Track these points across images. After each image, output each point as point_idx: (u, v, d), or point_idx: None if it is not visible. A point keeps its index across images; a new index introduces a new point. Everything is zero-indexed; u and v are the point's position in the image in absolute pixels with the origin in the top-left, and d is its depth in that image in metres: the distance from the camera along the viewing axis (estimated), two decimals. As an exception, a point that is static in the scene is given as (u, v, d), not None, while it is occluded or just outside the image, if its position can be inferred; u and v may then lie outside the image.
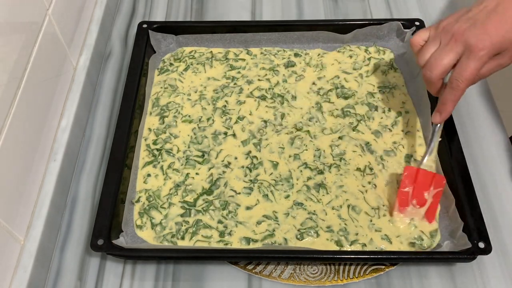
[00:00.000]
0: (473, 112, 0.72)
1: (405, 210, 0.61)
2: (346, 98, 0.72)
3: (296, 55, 0.77)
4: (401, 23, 0.77)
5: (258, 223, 0.61)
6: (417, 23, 0.76)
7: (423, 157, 0.62)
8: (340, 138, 0.68)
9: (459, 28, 0.57)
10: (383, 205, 0.62)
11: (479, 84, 0.75)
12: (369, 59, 0.76)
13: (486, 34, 0.55)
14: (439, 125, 0.62)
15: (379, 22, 0.77)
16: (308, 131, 0.69)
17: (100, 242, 0.56)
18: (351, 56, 0.77)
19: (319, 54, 0.77)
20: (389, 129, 0.69)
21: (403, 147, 0.67)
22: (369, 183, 0.64)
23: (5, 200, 0.52)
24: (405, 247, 0.59)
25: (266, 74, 0.75)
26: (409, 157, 0.66)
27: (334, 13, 0.85)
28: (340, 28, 0.77)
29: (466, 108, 0.72)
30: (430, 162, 0.61)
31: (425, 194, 0.60)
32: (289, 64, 0.76)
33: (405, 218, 0.61)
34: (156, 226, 0.61)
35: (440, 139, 0.62)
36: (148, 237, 0.60)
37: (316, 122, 0.69)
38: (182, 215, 0.62)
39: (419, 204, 0.60)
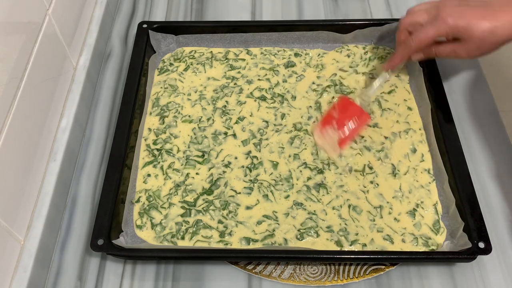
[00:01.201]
0: (473, 112, 0.72)
1: (325, 131, 0.66)
2: (345, 95, 0.72)
3: (296, 55, 0.77)
4: (401, 23, 0.76)
5: (258, 223, 0.61)
6: (417, 23, 0.76)
7: (359, 96, 0.68)
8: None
9: (448, 1, 0.62)
10: (387, 202, 0.62)
11: (479, 84, 0.75)
12: (365, 53, 0.77)
13: (458, 15, 0.59)
14: (385, 73, 0.69)
15: (379, 22, 0.77)
16: (306, 130, 0.69)
17: (100, 242, 0.56)
18: (348, 56, 0.77)
19: (319, 54, 0.77)
20: (391, 127, 0.69)
21: (403, 146, 0.67)
22: (371, 182, 0.64)
23: (5, 200, 0.52)
24: (407, 247, 0.59)
25: (266, 74, 0.75)
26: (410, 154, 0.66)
27: (334, 13, 0.85)
28: (340, 28, 0.77)
29: (466, 108, 0.72)
30: (365, 98, 0.68)
31: (348, 122, 0.66)
32: (289, 64, 0.76)
33: (320, 141, 0.66)
34: (156, 226, 0.61)
35: (382, 88, 0.69)
36: (148, 237, 0.60)
37: (314, 122, 0.69)
38: (182, 215, 0.62)
39: (339, 128, 0.66)
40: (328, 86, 0.73)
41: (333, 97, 0.72)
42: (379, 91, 0.71)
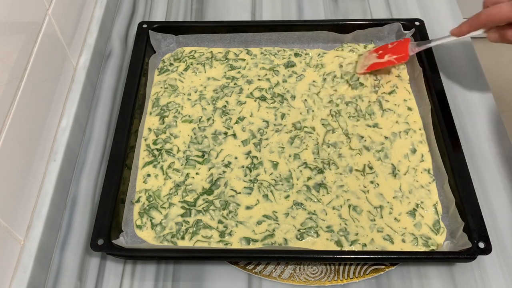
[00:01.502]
0: (473, 112, 0.72)
1: (372, 53, 0.72)
2: (354, 87, 0.73)
3: (296, 55, 0.77)
4: (401, 23, 0.77)
5: (258, 223, 0.61)
6: (417, 23, 0.76)
7: (420, 43, 0.70)
8: (333, 131, 0.69)
9: None
10: (388, 202, 0.62)
11: (479, 85, 0.75)
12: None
13: None
14: (448, 36, 0.66)
15: (379, 22, 0.77)
16: (306, 130, 0.69)
17: (100, 242, 0.56)
18: (352, 51, 0.77)
19: (319, 54, 0.77)
20: (391, 126, 0.69)
21: (403, 146, 0.67)
22: (372, 182, 0.64)
23: (5, 200, 0.52)
24: (407, 247, 0.59)
25: (266, 74, 0.75)
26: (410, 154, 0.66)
27: (334, 13, 0.85)
28: (340, 28, 0.77)
29: (466, 108, 0.72)
30: (416, 47, 0.70)
31: (387, 55, 0.71)
32: (289, 64, 0.76)
33: (363, 56, 0.73)
34: (156, 226, 0.61)
35: (442, 41, 0.68)
36: (148, 237, 0.60)
37: (315, 118, 0.70)
38: (182, 215, 0.62)
39: (379, 57, 0.71)
40: (336, 77, 0.74)
41: (335, 90, 0.72)
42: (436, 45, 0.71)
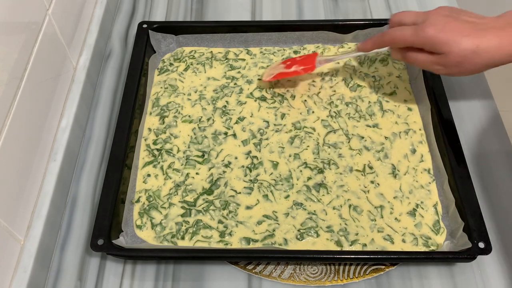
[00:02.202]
0: (473, 112, 0.72)
1: (279, 65, 0.72)
2: (353, 89, 0.73)
3: (295, 52, 0.77)
4: (401, 23, 0.77)
5: (258, 223, 0.61)
6: (417, 23, 0.76)
7: (327, 56, 0.71)
8: (335, 132, 0.69)
9: (440, 11, 0.59)
10: (388, 202, 0.62)
11: (479, 85, 0.75)
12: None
13: (442, 27, 0.56)
14: (354, 50, 0.69)
15: (379, 22, 0.77)
16: (306, 130, 0.69)
17: (100, 242, 0.56)
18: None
19: (318, 46, 0.78)
20: (391, 126, 0.69)
21: (403, 147, 0.67)
22: (372, 182, 0.64)
23: (5, 200, 0.52)
24: (408, 247, 0.59)
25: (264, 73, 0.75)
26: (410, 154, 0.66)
27: (334, 13, 0.85)
28: (340, 28, 0.77)
29: (466, 108, 0.72)
30: (326, 59, 0.71)
31: (294, 66, 0.71)
32: None
33: (269, 68, 0.74)
34: (156, 226, 0.61)
35: (348, 56, 0.70)
36: (148, 237, 0.60)
37: (315, 118, 0.70)
38: (182, 215, 0.62)
39: (286, 67, 0.71)
40: (334, 75, 0.75)
41: (334, 91, 0.72)
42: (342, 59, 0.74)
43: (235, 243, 0.59)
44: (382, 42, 0.63)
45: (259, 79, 0.74)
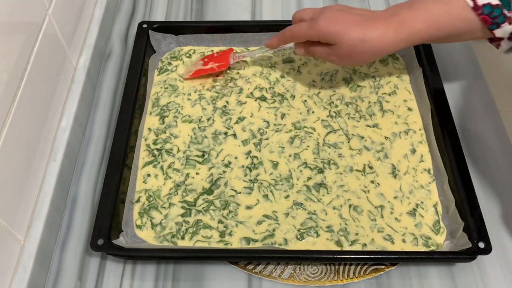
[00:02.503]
0: (473, 112, 0.72)
1: (199, 62, 0.75)
2: (353, 89, 0.73)
3: (295, 52, 0.77)
4: (401, 23, 0.76)
5: (258, 223, 0.61)
6: (417, 23, 0.76)
7: (242, 54, 0.74)
8: (335, 132, 0.68)
9: (335, 7, 0.63)
10: (389, 202, 0.62)
11: (479, 85, 0.75)
12: None
13: (333, 19, 0.60)
14: (262, 47, 0.71)
15: (379, 22, 0.77)
16: (306, 130, 0.69)
17: (100, 242, 0.56)
18: None
19: None
20: (391, 126, 0.69)
21: (403, 147, 0.67)
22: (372, 182, 0.64)
23: (5, 200, 0.52)
24: (408, 247, 0.59)
25: (263, 72, 0.75)
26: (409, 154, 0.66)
27: (334, 13, 0.85)
28: (340, 28, 0.77)
29: (466, 108, 0.72)
30: (239, 56, 0.74)
31: (211, 63, 0.74)
32: (287, 60, 0.76)
33: (189, 65, 0.76)
34: (156, 226, 0.61)
35: (259, 53, 0.73)
36: (148, 237, 0.60)
37: (315, 118, 0.70)
38: (182, 215, 0.62)
39: (204, 64, 0.74)
40: (334, 75, 0.74)
41: (334, 91, 0.72)
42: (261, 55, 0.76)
43: (235, 243, 0.59)
44: (284, 37, 0.66)
45: (180, 80, 0.75)
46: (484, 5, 0.55)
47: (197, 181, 0.64)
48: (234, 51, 0.76)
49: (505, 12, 0.54)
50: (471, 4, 0.55)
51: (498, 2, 0.54)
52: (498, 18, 0.55)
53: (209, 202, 0.63)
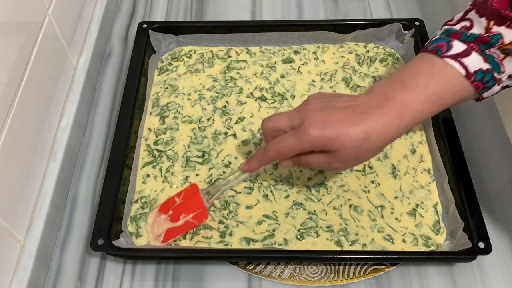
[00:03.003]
0: (473, 112, 0.72)
1: (159, 216, 0.60)
2: (353, 89, 0.73)
3: (295, 52, 0.77)
4: (401, 23, 0.77)
5: (259, 223, 0.61)
6: (417, 23, 0.76)
7: (213, 188, 0.61)
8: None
9: (311, 104, 0.53)
10: (389, 202, 0.62)
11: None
12: (367, 52, 0.77)
13: (323, 123, 0.51)
14: (239, 172, 0.60)
15: (379, 22, 0.77)
16: None
17: (100, 242, 0.56)
18: (351, 52, 0.77)
19: (318, 47, 0.77)
20: None
21: (403, 147, 0.67)
22: (372, 182, 0.64)
23: (5, 200, 0.52)
24: (408, 247, 0.59)
25: (263, 72, 0.75)
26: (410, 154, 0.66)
27: (334, 13, 0.85)
28: (340, 28, 0.77)
29: (466, 108, 0.72)
30: (213, 191, 0.61)
31: (182, 215, 0.59)
32: (287, 60, 0.76)
33: (149, 224, 0.60)
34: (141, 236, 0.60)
35: (234, 182, 0.61)
36: (137, 242, 0.60)
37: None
38: None
39: (172, 220, 0.59)
40: (334, 75, 0.74)
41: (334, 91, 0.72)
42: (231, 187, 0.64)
43: (235, 243, 0.59)
44: (267, 158, 0.56)
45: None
46: (476, 72, 0.51)
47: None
48: (200, 188, 0.62)
49: (495, 75, 0.51)
50: (463, 72, 0.51)
51: (489, 66, 0.51)
52: (489, 82, 0.52)
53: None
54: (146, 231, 0.60)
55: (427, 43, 0.55)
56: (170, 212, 0.59)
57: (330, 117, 0.51)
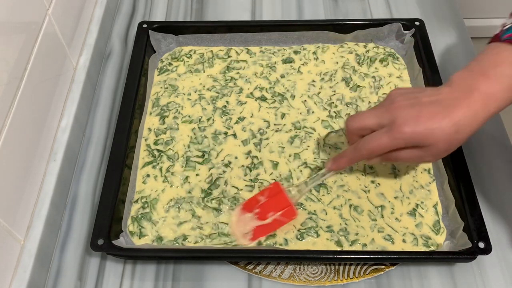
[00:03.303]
0: (473, 112, 0.72)
1: (244, 215, 0.60)
2: (353, 89, 0.73)
3: (295, 52, 0.77)
4: (401, 23, 0.77)
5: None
6: (417, 23, 0.76)
7: (297, 187, 0.61)
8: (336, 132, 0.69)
9: (398, 102, 0.54)
10: (389, 202, 0.62)
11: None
12: (367, 51, 0.77)
13: (416, 120, 0.52)
14: (326, 170, 0.60)
15: (379, 22, 0.77)
16: (305, 127, 0.69)
17: (100, 242, 0.56)
18: (350, 52, 0.77)
19: (318, 47, 0.77)
20: None
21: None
22: (372, 182, 0.64)
23: (5, 200, 0.52)
24: (408, 247, 0.59)
25: (263, 72, 0.75)
26: None
27: (334, 13, 0.85)
28: (340, 28, 0.77)
29: (466, 108, 0.72)
30: (297, 194, 0.61)
31: (270, 213, 0.59)
32: (287, 60, 0.76)
33: (234, 223, 0.60)
34: (145, 236, 0.60)
35: (322, 179, 0.61)
36: (140, 242, 0.60)
37: (315, 118, 0.69)
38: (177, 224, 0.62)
39: (260, 218, 0.59)
40: (333, 76, 0.74)
41: (334, 91, 0.72)
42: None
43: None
44: (359, 157, 0.57)
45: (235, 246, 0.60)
46: None
47: (197, 188, 0.64)
48: (283, 184, 0.62)
49: None
50: None
51: None
52: None
53: (212, 197, 0.62)
54: (230, 229, 0.60)
55: (498, 32, 0.55)
56: (257, 210, 0.59)
57: (421, 113, 0.52)
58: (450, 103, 0.52)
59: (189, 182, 0.64)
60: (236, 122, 0.70)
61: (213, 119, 0.70)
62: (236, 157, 0.66)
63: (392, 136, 0.53)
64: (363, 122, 0.56)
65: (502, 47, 0.53)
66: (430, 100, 0.53)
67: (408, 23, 0.76)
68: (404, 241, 0.59)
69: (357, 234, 0.60)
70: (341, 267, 0.58)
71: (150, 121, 0.70)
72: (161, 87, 0.74)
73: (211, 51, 0.78)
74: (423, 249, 0.59)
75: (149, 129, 0.70)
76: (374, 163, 0.58)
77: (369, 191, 0.63)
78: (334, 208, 0.62)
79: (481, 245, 0.56)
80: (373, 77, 0.74)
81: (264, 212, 0.59)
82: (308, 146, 0.67)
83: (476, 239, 0.56)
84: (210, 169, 0.65)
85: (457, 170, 0.62)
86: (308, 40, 0.78)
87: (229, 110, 0.71)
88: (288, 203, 0.60)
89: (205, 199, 0.63)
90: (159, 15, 0.86)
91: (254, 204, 0.60)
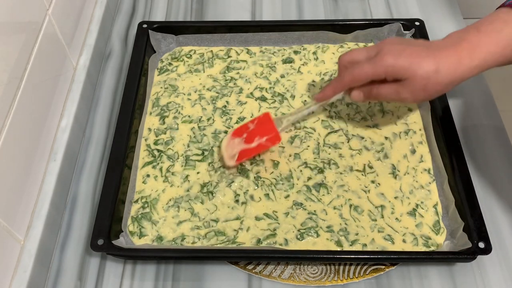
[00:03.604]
0: (473, 112, 0.72)
1: (233, 139, 0.64)
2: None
3: (295, 52, 0.77)
4: (401, 23, 0.77)
5: (257, 219, 0.61)
6: (417, 23, 0.76)
7: (286, 117, 0.66)
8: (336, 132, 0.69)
9: (389, 40, 0.59)
10: (389, 202, 0.62)
11: (479, 85, 0.75)
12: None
13: (399, 53, 0.55)
14: (313, 102, 0.65)
15: (379, 22, 0.77)
16: (305, 127, 0.69)
17: (100, 242, 0.56)
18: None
19: (318, 47, 0.77)
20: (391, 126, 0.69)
21: (403, 147, 0.67)
22: (372, 182, 0.64)
23: (5, 200, 0.52)
24: (408, 247, 0.59)
25: (263, 72, 0.75)
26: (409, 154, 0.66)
27: (334, 13, 0.85)
28: (340, 28, 0.77)
29: (466, 108, 0.72)
30: (286, 121, 0.66)
31: (256, 138, 0.63)
32: (287, 60, 0.76)
33: (224, 146, 0.64)
34: (145, 236, 0.60)
35: (308, 110, 0.65)
36: (141, 242, 0.60)
37: (318, 120, 0.70)
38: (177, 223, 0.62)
39: (246, 142, 0.63)
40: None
41: None
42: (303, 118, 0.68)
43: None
44: (342, 84, 0.60)
45: (223, 167, 0.65)
46: None
47: (196, 188, 0.64)
48: (271, 114, 0.66)
49: None
50: None
51: None
52: None
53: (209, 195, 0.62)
54: (220, 153, 0.65)
55: (504, 1, 0.56)
56: (245, 135, 0.64)
57: (407, 50, 0.55)
58: (436, 48, 0.55)
59: (189, 180, 0.64)
60: (236, 122, 0.70)
61: (213, 119, 0.70)
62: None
63: (373, 63, 0.56)
64: (353, 55, 0.60)
65: (503, 10, 0.55)
66: (421, 44, 0.57)
67: (408, 23, 0.77)
68: (404, 241, 0.59)
69: (357, 234, 0.60)
70: (341, 267, 0.59)
71: (150, 121, 0.70)
72: (161, 87, 0.74)
73: (211, 51, 0.78)
74: (423, 249, 0.59)
75: (149, 129, 0.70)
76: (358, 100, 0.61)
77: (369, 191, 0.63)
78: (334, 208, 0.62)
79: (481, 245, 0.56)
80: None
81: (251, 137, 0.63)
82: (308, 146, 0.67)
83: (476, 239, 0.56)
84: (209, 163, 0.65)
85: (457, 170, 0.62)
86: (308, 40, 0.78)
87: (229, 110, 0.71)
88: (274, 130, 0.64)
89: (204, 187, 0.63)
90: (159, 15, 0.86)
91: (244, 130, 0.65)
